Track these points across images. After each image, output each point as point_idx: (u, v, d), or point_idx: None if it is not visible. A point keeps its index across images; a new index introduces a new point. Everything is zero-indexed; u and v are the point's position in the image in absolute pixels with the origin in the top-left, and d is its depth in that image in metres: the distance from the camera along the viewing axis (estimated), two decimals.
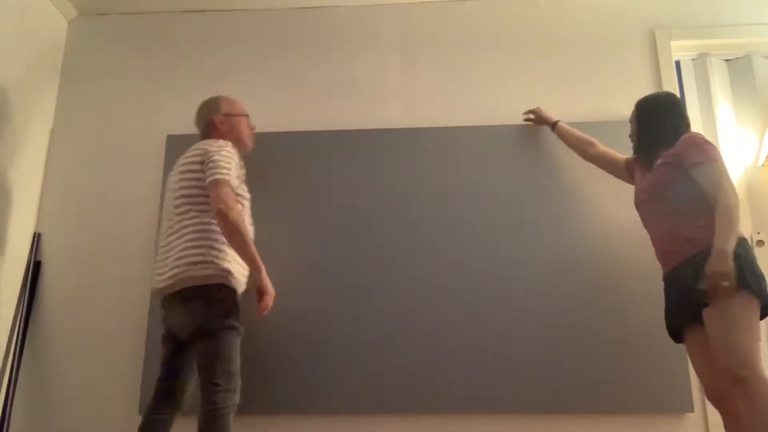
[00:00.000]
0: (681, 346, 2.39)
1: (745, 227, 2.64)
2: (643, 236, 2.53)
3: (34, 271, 2.68)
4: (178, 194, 2.14)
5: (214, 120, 2.28)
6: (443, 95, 2.83)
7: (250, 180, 2.71)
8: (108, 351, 2.58)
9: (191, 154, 2.16)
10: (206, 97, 2.88)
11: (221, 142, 2.17)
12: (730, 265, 1.78)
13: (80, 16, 3.07)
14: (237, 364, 2.02)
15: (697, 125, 2.84)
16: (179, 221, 2.11)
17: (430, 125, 2.76)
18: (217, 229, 2.04)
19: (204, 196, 2.08)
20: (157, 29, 3.03)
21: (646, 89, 2.76)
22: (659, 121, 2.16)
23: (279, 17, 3.01)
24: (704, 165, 1.96)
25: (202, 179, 2.07)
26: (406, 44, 2.93)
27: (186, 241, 2.06)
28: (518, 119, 2.73)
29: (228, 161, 2.09)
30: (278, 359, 2.48)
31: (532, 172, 2.65)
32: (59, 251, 2.73)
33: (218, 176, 2.04)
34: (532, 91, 2.80)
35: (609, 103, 2.77)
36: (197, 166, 2.11)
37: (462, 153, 2.69)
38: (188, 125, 2.85)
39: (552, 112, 2.70)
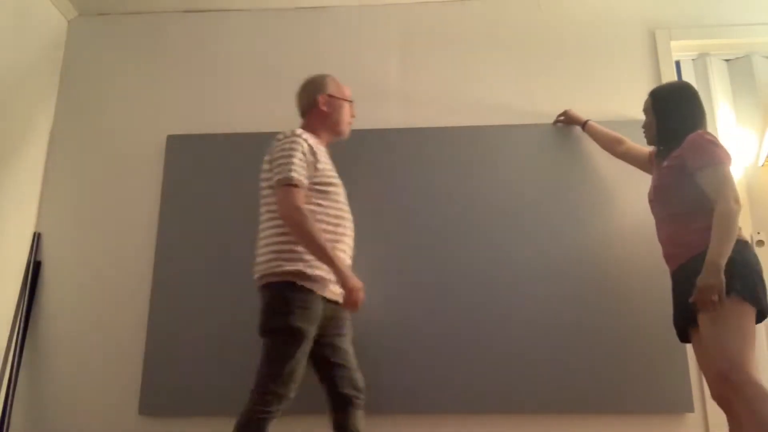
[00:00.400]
0: (681, 346, 2.41)
1: (745, 227, 2.63)
2: (643, 237, 2.54)
3: (34, 271, 2.68)
4: (264, 184, 2.07)
5: (318, 99, 2.16)
6: (443, 95, 2.83)
7: (250, 180, 2.71)
8: (108, 351, 2.58)
9: (273, 143, 2.07)
10: (206, 96, 2.91)
11: (295, 132, 2.05)
12: (721, 280, 1.76)
13: (80, 16, 3.07)
14: (287, 367, 1.90)
15: None
16: (265, 212, 2.04)
17: (430, 125, 2.76)
18: None
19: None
20: (157, 29, 3.03)
21: (646, 89, 2.75)
22: (676, 112, 2.10)
23: (279, 17, 3.02)
24: (706, 169, 1.92)
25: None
26: (406, 44, 2.93)
27: (265, 237, 2.01)
28: (518, 119, 2.73)
29: (291, 155, 1.97)
30: None
31: (533, 172, 2.65)
32: (59, 251, 2.73)
33: (280, 176, 1.96)
34: (532, 91, 2.81)
35: (609, 103, 2.77)
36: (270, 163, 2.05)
37: (462, 153, 2.69)
38: (188, 125, 2.87)
39: (552, 112, 2.70)
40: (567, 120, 2.67)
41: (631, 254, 2.51)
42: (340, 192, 2.10)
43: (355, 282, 1.91)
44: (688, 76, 2.91)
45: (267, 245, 1.98)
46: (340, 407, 2.04)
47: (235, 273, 2.59)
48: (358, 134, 2.74)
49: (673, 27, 2.85)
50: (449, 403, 2.41)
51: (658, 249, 2.53)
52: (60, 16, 3.01)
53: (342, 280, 1.90)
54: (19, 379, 2.56)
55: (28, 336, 2.61)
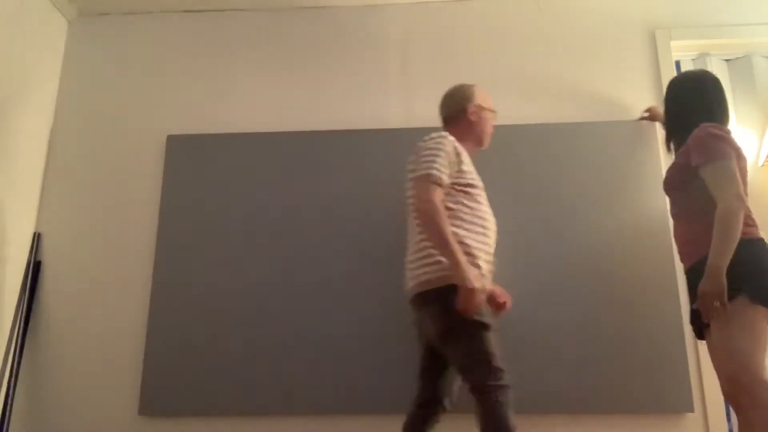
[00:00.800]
0: (681, 346, 2.41)
1: None
2: (643, 237, 2.54)
3: (34, 271, 2.68)
4: (409, 193, 2.07)
5: (467, 108, 2.18)
6: (442, 95, 2.83)
7: (251, 180, 2.71)
8: (108, 351, 2.58)
9: (419, 144, 2.08)
10: (206, 96, 2.91)
11: (442, 133, 2.07)
12: (721, 284, 1.73)
13: (80, 16, 3.07)
14: (490, 356, 1.88)
15: None
16: (414, 218, 2.05)
17: (430, 125, 2.76)
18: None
19: None
20: (157, 29, 3.03)
21: (646, 89, 2.77)
22: (686, 103, 2.04)
23: (279, 17, 3.02)
24: (706, 166, 1.88)
25: None
26: (406, 44, 2.93)
27: (418, 242, 2.01)
28: (518, 119, 2.73)
29: (436, 154, 1.99)
30: (278, 360, 2.48)
31: (532, 173, 2.65)
32: (59, 251, 2.73)
33: (420, 172, 1.98)
34: (532, 91, 2.81)
35: (609, 103, 2.77)
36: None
37: None
38: (188, 125, 2.87)
39: (552, 112, 2.70)
40: (652, 117, 2.63)
41: (631, 254, 2.51)
42: (482, 195, 2.12)
43: (476, 283, 1.84)
44: None
45: (424, 252, 1.97)
46: (427, 410, 2.05)
47: (235, 273, 2.59)
48: (357, 134, 2.75)
49: (673, 27, 2.85)
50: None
51: (658, 249, 2.54)
52: (60, 16, 3.01)
53: (461, 279, 1.84)
54: (19, 379, 2.56)
55: (28, 336, 2.61)
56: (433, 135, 2.06)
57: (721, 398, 2.38)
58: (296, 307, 2.53)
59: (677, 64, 2.90)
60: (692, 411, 2.35)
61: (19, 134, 2.69)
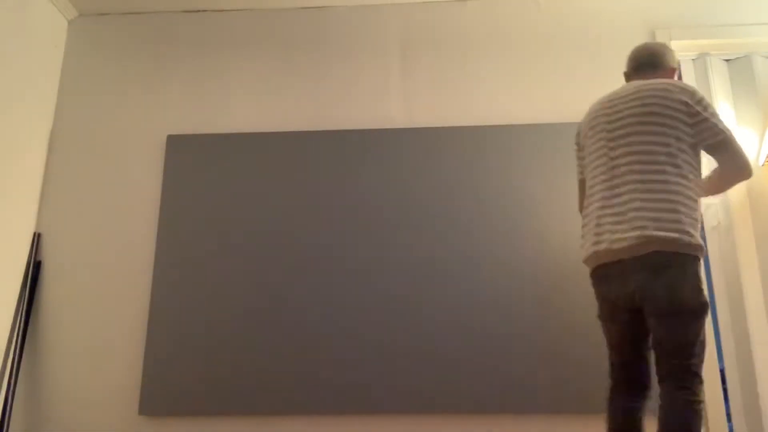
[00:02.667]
0: None
1: (746, 227, 2.64)
2: None
3: (34, 271, 2.68)
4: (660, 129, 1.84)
5: (674, 70, 2.06)
6: (443, 95, 2.83)
7: (251, 180, 2.71)
8: (108, 351, 2.58)
9: (654, 89, 1.88)
10: (206, 96, 2.90)
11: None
12: None
13: (80, 16, 3.07)
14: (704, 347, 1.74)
15: None
16: (666, 163, 1.82)
17: (430, 125, 2.76)
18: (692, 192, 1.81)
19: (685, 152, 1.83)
20: (157, 29, 3.03)
21: None
22: None
23: (279, 17, 3.02)
24: None
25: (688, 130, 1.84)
26: (406, 44, 2.93)
27: (675, 193, 1.78)
28: (518, 119, 2.73)
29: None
30: (278, 359, 2.48)
31: (532, 172, 2.65)
32: (59, 251, 2.73)
33: (728, 134, 1.85)
34: (532, 91, 2.81)
35: None
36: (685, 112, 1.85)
37: (462, 153, 2.69)
38: (188, 125, 2.87)
39: (552, 112, 2.70)
40: None
41: None
42: None
43: None
44: (688, 76, 2.91)
45: (677, 205, 1.76)
46: (637, 392, 1.87)
47: (235, 273, 2.59)
48: (357, 134, 2.75)
49: (673, 27, 2.85)
50: (449, 403, 2.40)
51: None
52: (60, 16, 3.01)
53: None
54: (19, 379, 2.56)
55: (28, 336, 2.62)
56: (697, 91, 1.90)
57: (721, 398, 2.38)
58: (296, 306, 2.54)
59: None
60: None
61: (19, 134, 2.69)
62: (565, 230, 2.56)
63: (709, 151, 1.90)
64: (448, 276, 2.54)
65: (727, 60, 2.91)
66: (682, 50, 2.88)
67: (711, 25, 2.84)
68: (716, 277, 2.68)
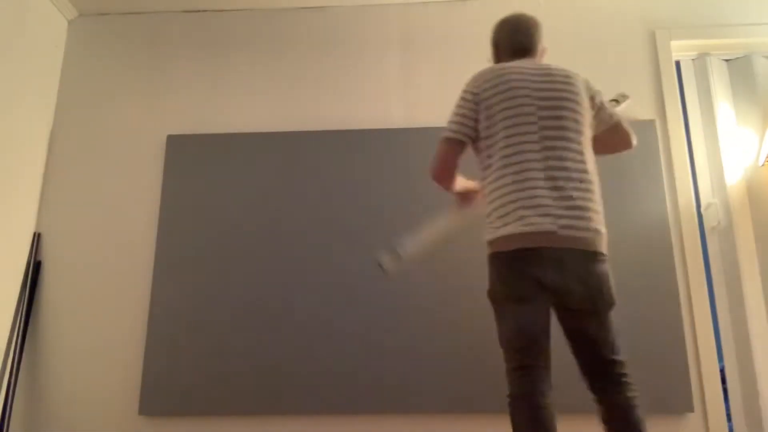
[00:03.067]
0: (681, 346, 2.40)
1: (746, 227, 2.64)
2: (643, 237, 2.54)
3: (34, 271, 2.68)
4: (569, 116, 1.81)
5: (542, 48, 2.03)
6: (443, 95, 2.83)
7: (251, 180, 2.71)
8: (108, 351, 2.58)
9: (566, 75, 1.87)
10: (206, 96, 2.90)
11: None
12: None
13: (80, 16, 3.07)
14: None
15: (697, 125, 2.85)
16: (585, 152, 1.83)
17: (430, 125, 2.76)
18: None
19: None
20: (157, 29, 3.03)
21: (646, 89, 2.77)
22: None
23: (279, 17, 3.02)
24: None
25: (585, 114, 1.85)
26: (406, 44, 2.93)
27: (593, 185, 1.83)
28: None
29: None
30: (278, 360, 2.48)
31: None
32: (59, 251, 2.73)
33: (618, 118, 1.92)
34: None
35: (609, 103, 2.76)
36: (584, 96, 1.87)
37: None
38: (188, 125, 2.87)
39: None
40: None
41: (631, 254, 2.51)
42: None
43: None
44: (688, 76, 2.91)
45: (599, 203, 1.81)
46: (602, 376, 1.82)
47: (235, 273, 2.59)
48: (358, 134, 2.75)
49: (673, 27, 2.85)
50: (449, 403, 2.40)
51: (658, 249, 2.54)
52: (60, 16, 3.01)
53: None
54: (19, 379, 2.56)
55: (28, 336, 2.62)
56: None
57: (721, 398, 2.38)
58: (296, 306, 2.54)
59: (677, 64, 2.90)
60: (692, 411, 2.35)
61: (19, 134, 2.69)
62: None
63: (603, 134, 1.96)
64: (449, 275, 2.54)
65: (727, 60, 2.91)
66: (682, 50, 2.89)
67: (711, 25, 2.84)
68: (716, 277, 2.68)
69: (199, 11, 3.05)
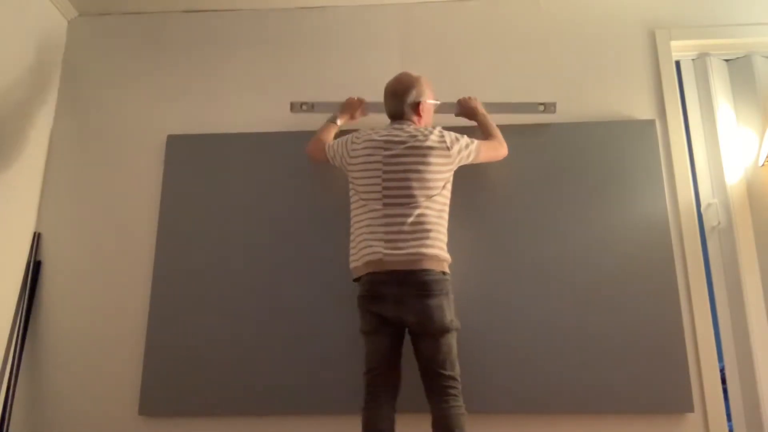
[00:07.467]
0: (681, 346, 2.40)
1: (745, 227, 2.64)
2: (643, 237, 2.54)
3: (34, 271, 2.68)
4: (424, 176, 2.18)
5: (420, 103, 2.34)
6: (443, 95, 2.83)
7: (251, 180, 2.71)
8: (108, 351, 2.58)
9: (429, 137, 2.24)
10: (206, 96, 2.90)
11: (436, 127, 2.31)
12: None
13: (80, 16, 3.07)
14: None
15: (697, 125, 2.85)
16: (437, 202, 2.20)
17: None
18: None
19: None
20: (157, 29, 3.03)
21: (646, 89, 2.77)
22: None
23: (279, 17, 3.02)
24: None
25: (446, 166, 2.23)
26: (406, 44, 2.93)
27: (440, 223, 2.19)
28: (517, 119, 2.73)
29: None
30: (278, 360, 2.48)
31: (531, 172, 2.65)
32: (59, 251, 2.73)
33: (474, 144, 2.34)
34: (532, 91, 2.81)
35: (609, 103, 2.77)
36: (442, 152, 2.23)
37: None
38: (188, 125, 2.87)
39: (551, 113, 2.70)
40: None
41: (631, 254, 2.51)
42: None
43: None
44: (688, 76, 2.91)
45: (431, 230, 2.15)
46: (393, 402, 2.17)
47: (235, 272, 2.59)
48: None
49: (673, 27, 2.85)
50: None
51: (658, 248, 2.54)
52: (60, 16, 3.01)
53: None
54: (19, 379, 2.56)
55: (28, 336, 2.62)
56: (437, 129, 2.31)
57: (721, 398, 2.38)
58: (296, 306, 2.54)
59: (677, 64, 2.90)
60: (692, 411, 2.35)
61: (19, 134, 2.69)
62: (561, 230, 2.56)
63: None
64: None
65: (727, 60, 2.91)
66: (682, 50, 2.89)
67: (711, 25, 2.84)
68: (716, 277, 2.68)
69: (199, 11, 3.05)
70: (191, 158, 2.76)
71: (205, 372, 2.48)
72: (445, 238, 2.19)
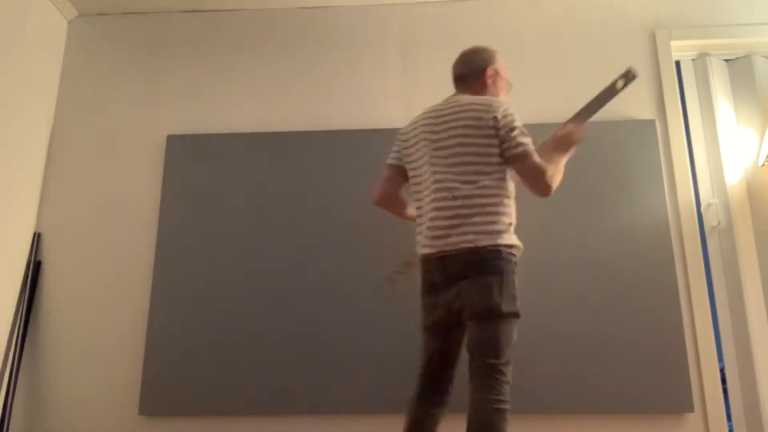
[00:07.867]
0: (681, 346, 2.40)
1: (745, 227, 2.64)
2: (643, 237, 2.54)
3: (34, 271, 2.68)
4: (459, 151, 1.93)
5: (486, 71, 2.08)
6: (443, 95, 2.83)
7: (251, 180, 2.71)
8: (108, 351, 2.58)
9: (469, 107, 1.96)
10: (206, 96, 2.91)
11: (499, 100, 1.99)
12: None
13: (80, 16, 3.07)
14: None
15: (697, 125, 2.85)
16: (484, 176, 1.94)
17: None
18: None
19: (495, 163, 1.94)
20: (157, 29, 3.03)
21: (646, 89, 2.77)
22: None
23: (279, 17, 3.02)
24: None
25: (492, 140, 1.94)
26: (406, 44, 2.93)
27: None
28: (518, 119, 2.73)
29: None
30: (278, 359, 2.48)
31: None
32: (59, 251, 2.73)
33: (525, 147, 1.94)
34: (532, 91, 2.81)
35: (609, 103, 2.76)
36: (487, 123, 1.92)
37: None
38: (188, 125, 2.87)
39: (552, 113, 2.70)
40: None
41: (631, 254, 2.51)
42: None
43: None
44: (688, 76, 2.91)
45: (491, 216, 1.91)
46: (438, 407, 1.96)
47: (235, 272, 2.59)
48: (357, 134, 2.75)
49: (673, 27, 2.86)
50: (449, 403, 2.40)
51: (658, 248, 2.54)
52: (60, 16, 3.01)
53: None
54: (19, 379, 2.56)
55: (28, 336, 2.62)
56: (498, 101, 1.99)
57: (721, 398, 2.38)
58: (296, 306, 2.54)
59: (677, 64, 2.90)
60: (692, 411, 2.35)
61: (19, 134, 2.69)
62: (561, 230, 2.56)
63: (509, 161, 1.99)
64: None
65: (727, 60, 2.91)
66: (682, 50, 2.89)
67: (711, 25, 2.84)
68: (716, 277, 2.68)
69: (199, 11, 3.05)
70: (191, 158, 2.76)
71: (205, 372, 2.48)
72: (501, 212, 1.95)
